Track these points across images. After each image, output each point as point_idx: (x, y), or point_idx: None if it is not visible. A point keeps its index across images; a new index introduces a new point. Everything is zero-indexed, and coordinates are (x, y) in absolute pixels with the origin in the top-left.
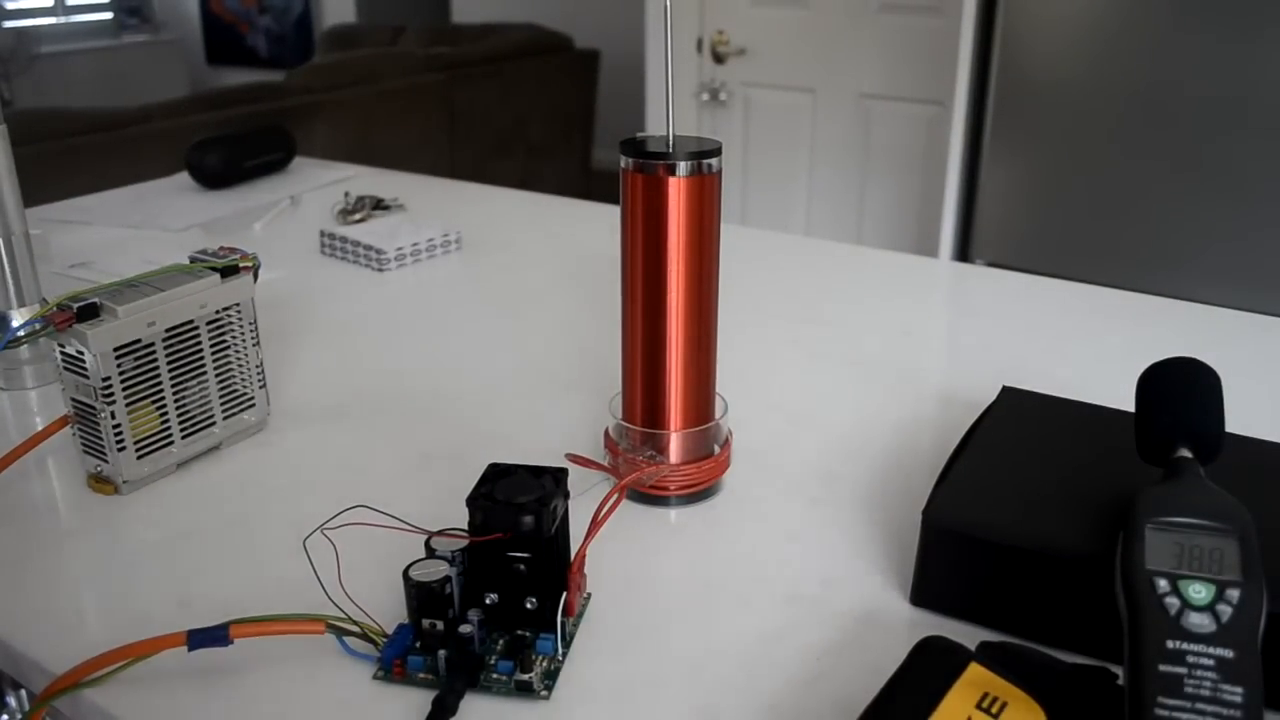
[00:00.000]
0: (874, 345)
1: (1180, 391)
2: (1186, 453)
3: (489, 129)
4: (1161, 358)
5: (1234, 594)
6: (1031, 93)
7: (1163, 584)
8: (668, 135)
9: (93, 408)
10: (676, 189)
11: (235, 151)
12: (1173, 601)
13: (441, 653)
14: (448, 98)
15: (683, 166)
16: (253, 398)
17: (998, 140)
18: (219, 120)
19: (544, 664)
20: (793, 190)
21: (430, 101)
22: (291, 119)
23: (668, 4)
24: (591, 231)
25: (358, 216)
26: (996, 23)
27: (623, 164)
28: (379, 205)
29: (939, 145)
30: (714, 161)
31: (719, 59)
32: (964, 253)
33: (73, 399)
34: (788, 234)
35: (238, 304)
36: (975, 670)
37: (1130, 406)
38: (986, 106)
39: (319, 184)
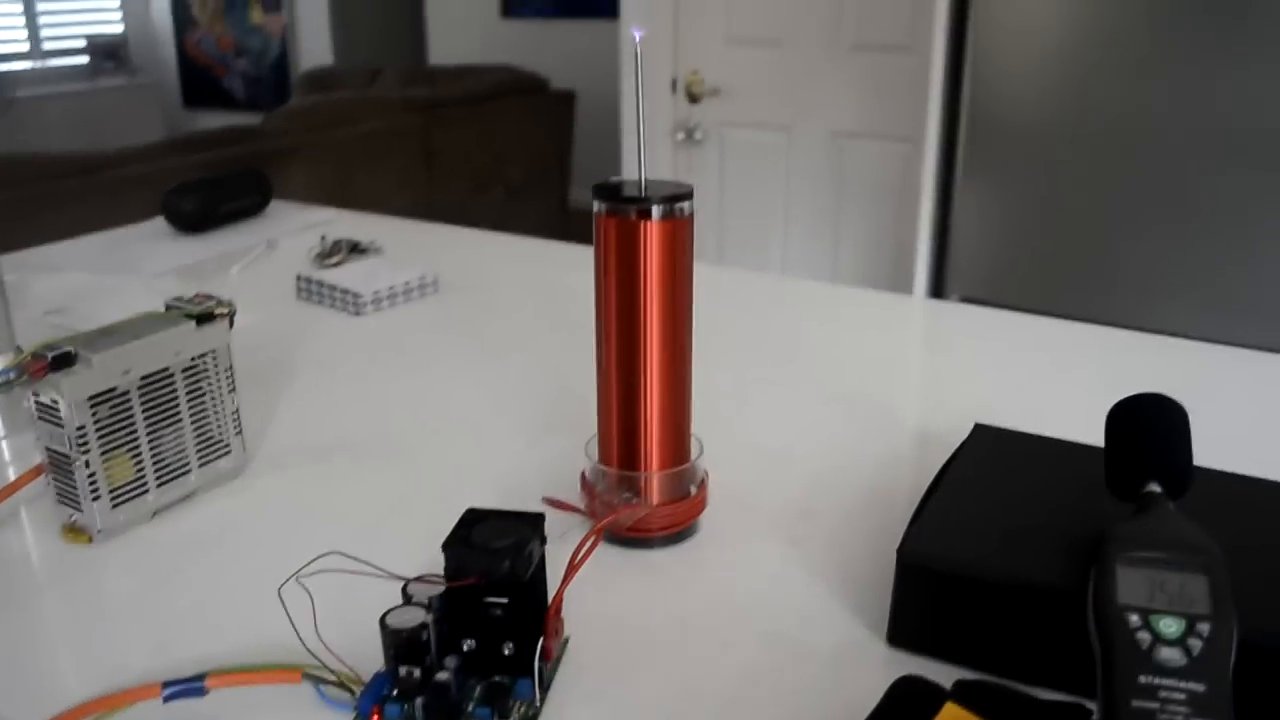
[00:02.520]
0: (849, 383)
1: (1148, 427)
2: (1156, 487)
3: (467, 169)
4: (1132, 391)
5: (1204, 628)
6: (1001, 128)
7: (1134, 619)
8: (640, 180)
9: (67, 457)
10: (649, 233)
11: (211, 196)
12: (1144, 636)
13: (419, 700)
14: (425, 139)
15: (656, 211)
16: (229, 444)
17: (969, 175)
18: (196, 164)
19: (522, 709)
20: (769, 227)
21: (408, 142)
22: (269, 161)
23: (638, 51)
24: (568, 273)
25: (334, 260)
26: (966, 59)
27: (596, 208)
28: (355, 248)
29: (912, 181)
30: (686, 205)
31: (694, 99)
32: (938, 287)
33: (47, 448)
34: (763, 272)
35: (213, 350)
36: (951, 710)
37: (1102, 440)
38: (958, 142)
39: (296, 227)
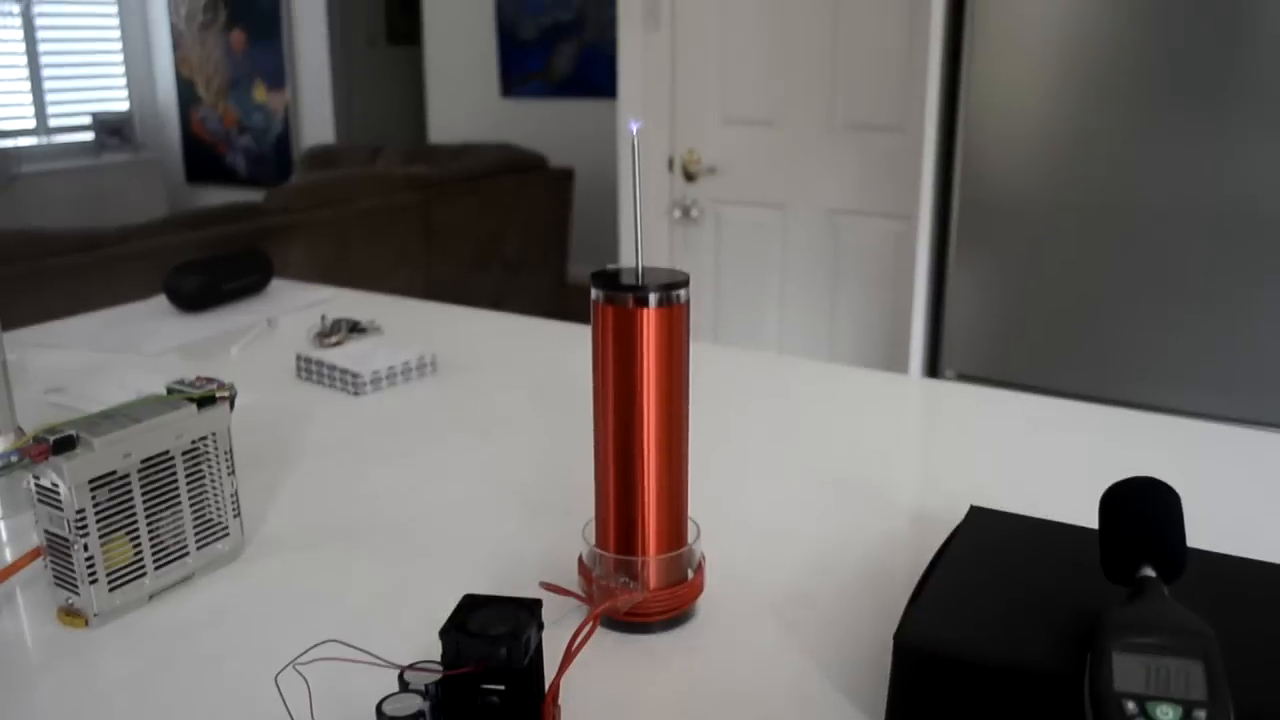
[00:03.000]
0: (845, 463)
1: (1141, 512)
2: (1150, 572)
3: (465, 246)
4: (1127, 471)
5: (1200, 715)
6: (994, 206)
7: (1131, 706)
8: (637, 267)
9: (66, 540)
10: (646, 320)
11: (213, 275)
12: None
13: None
14: (425, 216)
15: (652, 299)
16: (227, 527)
17: (963, 253)
18: (197, 240)
19: None
20: (764, 304)
21: (408, 219)
22: (270, 238)
23: (635, 144)
24: (565, 352)
25: (334, 339)
26: (957, 138)
27: (594, 296)
28: (355, 328)
29: (907, 258)
30: (682, 292)
31: (690, 177)
32: (934, 364)
33: (46, 530)
34: (759, 351)
35: (214, 433)
36: None
37: (1097, 521)
38: (951, 220)
39: (296, 306)
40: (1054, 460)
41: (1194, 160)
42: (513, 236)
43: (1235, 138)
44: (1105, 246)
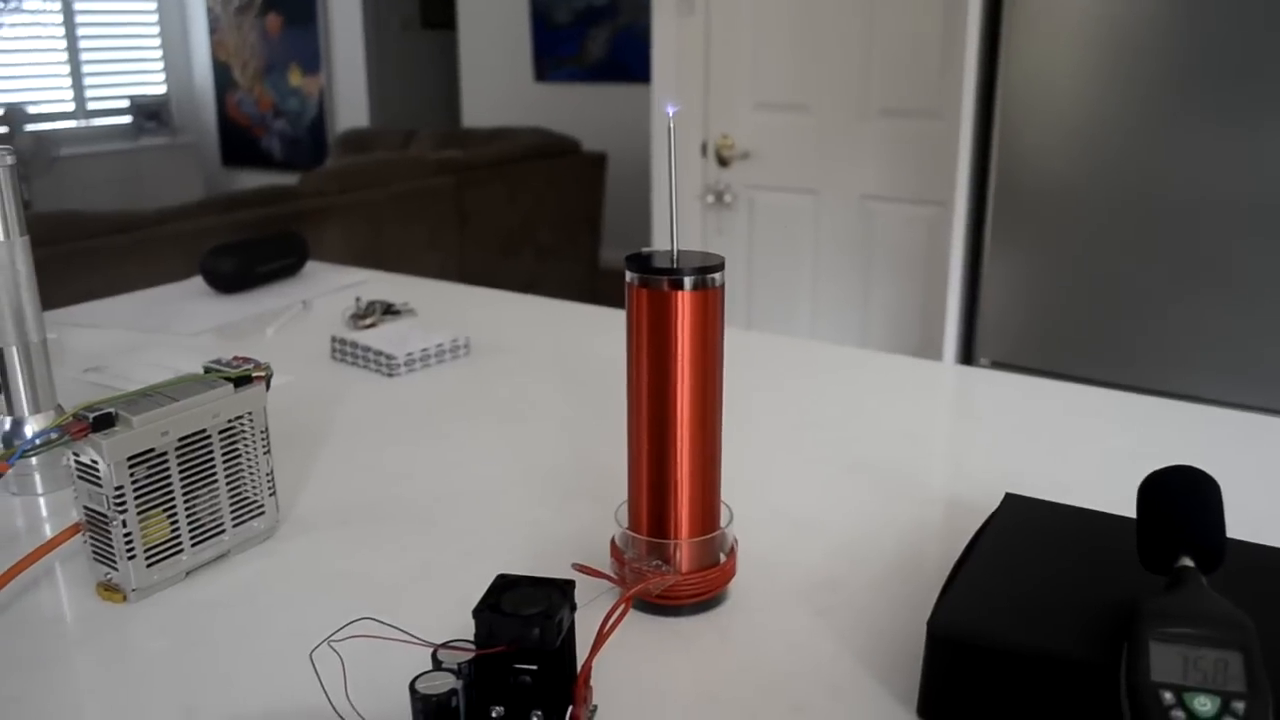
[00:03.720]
0: (878, 449)
1: (1180, 502)
2: (1189, 562)
3: (498, 230)
4: (1163, 460)
5: (1239, 706)
6: (1030, 193)
7: (1168, 696)
8: (672, 250)
9: (105, 516)
10: (681, 304)
11: (249, 257)
12: (1178, 715)
13: None
14: (458, 200)
15: (688, 282)
16: (262, 505)
17: (998, 239)
18: (233, 223)
19: None
20: (797, 290)
21: (440, 203)
22: (305, 221)
23: (671, 126)
24: (597, 336)
25: (368, 321)
26: (994, 124)
27: (628, 279)
28: (389, 310)
29: (941, 245)
30: (717, 276)
31: (723, 162)
32: (968, 352)
33: (85, 507)
34: (791, 336)
35: (250, 413)
36: None
37: (1134, 510)
38: (987, 206)
39: (331, 289)
40: (1090, 449)
41: (1233, 149)
42: (545, 221)
43: (1276, 126)
44: (1142, 235)
